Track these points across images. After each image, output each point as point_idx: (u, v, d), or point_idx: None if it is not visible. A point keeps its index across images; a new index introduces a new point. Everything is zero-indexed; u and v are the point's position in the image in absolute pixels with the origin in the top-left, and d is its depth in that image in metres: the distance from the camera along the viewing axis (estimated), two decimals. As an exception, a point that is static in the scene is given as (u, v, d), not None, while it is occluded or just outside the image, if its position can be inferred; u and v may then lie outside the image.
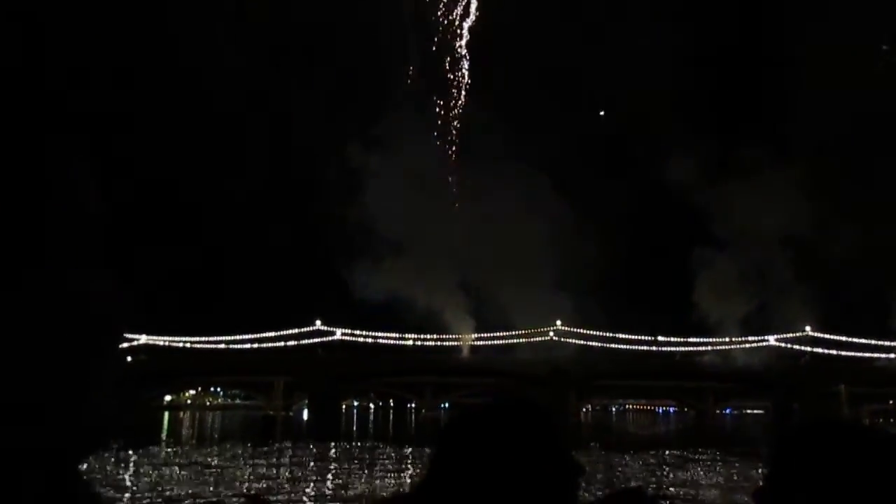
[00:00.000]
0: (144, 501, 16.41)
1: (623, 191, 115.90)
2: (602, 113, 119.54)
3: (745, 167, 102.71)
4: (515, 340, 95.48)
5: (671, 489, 19.28)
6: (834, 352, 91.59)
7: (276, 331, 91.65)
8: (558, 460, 1.18)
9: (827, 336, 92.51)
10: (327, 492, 18.36)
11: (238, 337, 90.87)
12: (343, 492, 18.24)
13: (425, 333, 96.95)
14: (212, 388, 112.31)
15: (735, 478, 21.66)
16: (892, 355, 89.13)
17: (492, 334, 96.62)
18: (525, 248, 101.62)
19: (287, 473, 21.96)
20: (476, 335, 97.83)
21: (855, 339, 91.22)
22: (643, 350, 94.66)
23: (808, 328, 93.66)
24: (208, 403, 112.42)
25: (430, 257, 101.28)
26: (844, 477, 1.13)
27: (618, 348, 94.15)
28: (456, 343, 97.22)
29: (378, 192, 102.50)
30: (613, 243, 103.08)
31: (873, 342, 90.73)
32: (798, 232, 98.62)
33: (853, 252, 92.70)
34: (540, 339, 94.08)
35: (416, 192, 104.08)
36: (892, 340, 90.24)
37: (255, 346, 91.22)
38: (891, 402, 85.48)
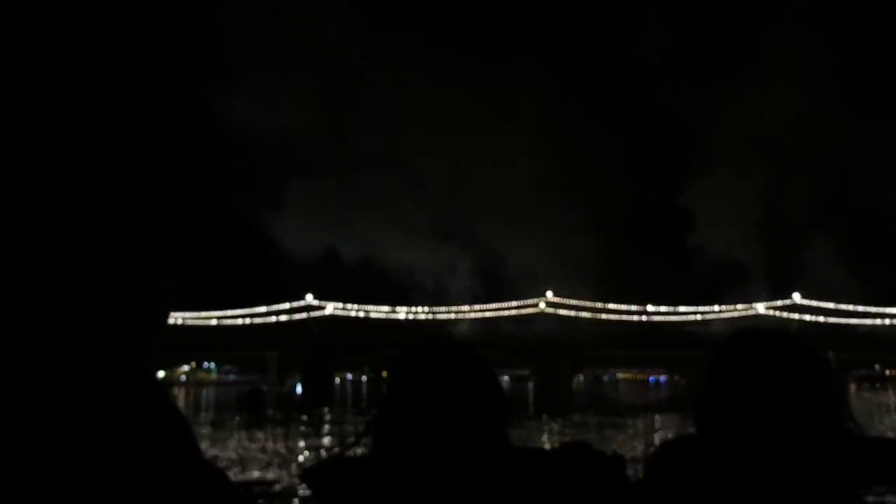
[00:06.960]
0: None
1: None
2: None
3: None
4: (506, 313, 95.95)
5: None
6: (822, 318, 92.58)
7: (267, 305, 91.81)
8: (488, 388, 1.30)
9: (814, 303, 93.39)
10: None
11: (230, 312, 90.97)
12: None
13: (416, 301, 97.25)
14: (205, 365, 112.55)
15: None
16: (877, 321, 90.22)
17: (483, 306, 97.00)
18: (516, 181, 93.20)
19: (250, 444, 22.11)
20: (468, 307, 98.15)
21: (842, 306, 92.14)
22: (635, 320, 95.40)
23: (796, 295, 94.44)
24: (202, 380, 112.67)
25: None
26: (769, 378, 1.19)
27: (609, 318, 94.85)
28: (447, 315, 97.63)
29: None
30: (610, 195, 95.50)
31: (860, 308, 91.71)
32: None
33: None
34: (531, 311, 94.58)
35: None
36: (878, 306, 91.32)
37: (248, 321, 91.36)
38: (876, 366, 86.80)
